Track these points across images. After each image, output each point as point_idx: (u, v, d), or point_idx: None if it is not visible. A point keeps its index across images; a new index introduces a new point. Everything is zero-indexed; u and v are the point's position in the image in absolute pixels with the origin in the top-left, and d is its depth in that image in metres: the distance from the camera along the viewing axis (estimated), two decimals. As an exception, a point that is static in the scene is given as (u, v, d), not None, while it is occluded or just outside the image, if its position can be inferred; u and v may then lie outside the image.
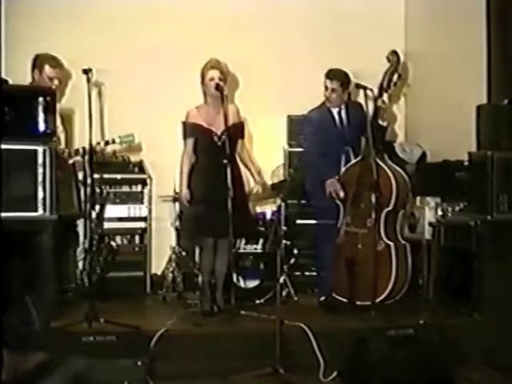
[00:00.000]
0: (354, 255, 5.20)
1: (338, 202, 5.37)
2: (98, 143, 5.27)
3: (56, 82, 5.20)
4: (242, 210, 4.97)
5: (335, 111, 5.52)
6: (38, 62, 5.20)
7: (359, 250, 5.22)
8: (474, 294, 5.01)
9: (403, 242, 5.33)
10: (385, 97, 5.44)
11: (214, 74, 5.12)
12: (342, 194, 5.27)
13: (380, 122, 5.35)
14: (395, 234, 5.32)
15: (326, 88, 5.44)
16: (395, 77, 5.39)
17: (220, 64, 5.16)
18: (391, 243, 5.23)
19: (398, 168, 5.40)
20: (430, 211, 5.59)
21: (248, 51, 6.22)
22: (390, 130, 5.84)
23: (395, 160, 5.66)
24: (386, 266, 5.15)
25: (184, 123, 5.20)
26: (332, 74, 5.42)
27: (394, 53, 5.40)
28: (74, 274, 5.50)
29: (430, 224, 5.59)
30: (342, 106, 5.52)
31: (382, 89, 5.36)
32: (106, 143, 5.32)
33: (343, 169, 5.41)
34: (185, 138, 5.21)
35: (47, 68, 5.17)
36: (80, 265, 5.50)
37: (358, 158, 5.32)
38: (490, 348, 4.65)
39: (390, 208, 5.23)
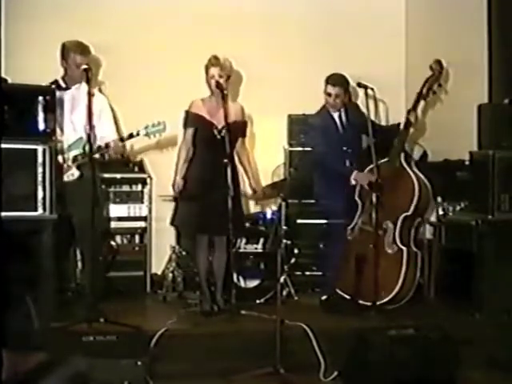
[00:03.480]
0: (364, 254, 5.17)
1: (358, 199, 5.37)
2: (121, 138, 5.04)
3: (83, 67, 4.93)
4: (234, 209, 4.95)
5: (336, 115, 5.54)
6: (65, 50, 5.04)
7: (370, 250, 5.15)
8: (475, 294, 5.00)
9: (415, 249, 5.28)
10: (420, 107, 5.44)
11: (214, 71, 5.12)
12: (373, 178, 5.17)
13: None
14: (409, 240, 5.29)
15: (329, 94, 5.44)
16: (435, 86, 5.37)
17: (219, 61, 5.15)
18: (404, 248, 5.21)
19: (422, 175, 5.37)
20: (431, 211, 5.58)
21: (249, 50, 6.21)
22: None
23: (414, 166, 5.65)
24: (395, 270, 5.13)
25: (187, 112, 5.21)
26: (334, 80, 5.42)
27: (438, 62, 5.38)
28: (74, 273, 5.48)
29: (431, 223, 5.59)
30: (342, 109, 5.53)
31: (420, 96, 5.34)
32: (130, 136, 5.00)
33: (368, 168, 5.36)
34: (185, 127, 5.21)
35: (72, 55, 4.99)
36: (80, 265, 5.48)
37: (384, 160, 5.26)
38: (491, 348, 4.64)
39: (408, 213, 5.21)
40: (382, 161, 5.28)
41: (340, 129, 5.53)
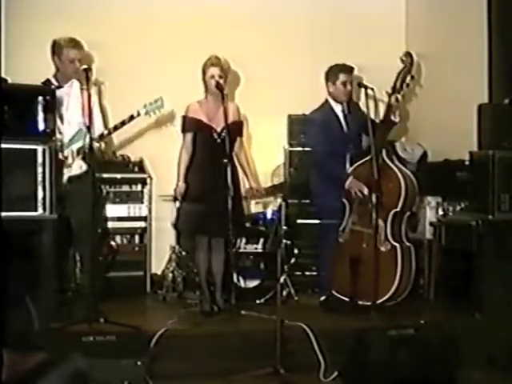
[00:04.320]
0: (358, 254, 5.16)
1: (345, 200, 5.35)
2: (123, 122, 5.00)
3: (77, 64, 4.97)
4: (235, 209, 4.95)
5: (339, 109, 5.50)
6: (56, 46, 5.02)
7: (364, 250, 5.17)
8: (475, 294, 5.00)
9: (408, 243, 5.30)
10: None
11: (214, 71, 5.12)
12: (366, 191, 5.19)
13: (392, 117, 5.32)
14: (400, 236, 5.30)
15: (344, 83, 5.41)
16: (408, 78, 5.37)
17: (220, 61, 5.15)
18: (397, 244, 5.20)
19: (406, 170, 5.38)
20: (430, 211, 5.59)
21: (249, 50, 6.22)
22: (399, 127, 5.77)
23: (396, 160, 5.65)
24: (390, 267, 5.12)
25: (184, 117, 5.21)
26: (348, 69, 5.43)
27: (408, 54, 5.38)
28: (74, 273, 5.48)
29: (431, 223, 5.59)
30: (344, 104, 5.52)
31: (394, 89, 5.33)
32: (131, 118, 5.00)
33: (352, 167, 5.37)
34: (184, 131, 5.21)
35: (65, 50, 4.98)
36: (79, 265, 5.47)
37: (367, 158, 5.23)
38: (491, 348, 4.64)
39: (397, 209, 5.20)
40: (366, 158, 5.25)
41: (343, 124, 5.49)
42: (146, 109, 5.02)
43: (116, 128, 5.03)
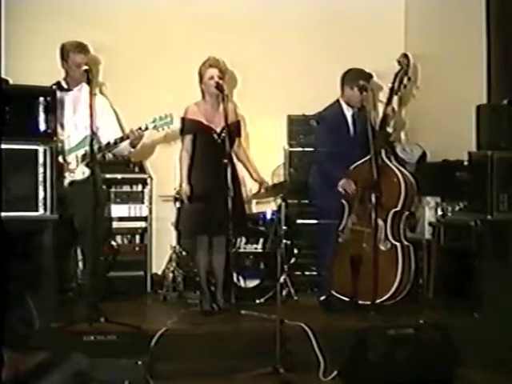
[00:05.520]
0: (358, 253, 5.17)
1: (344, 200, 5.35)
2: (131, 131, 4.96)
3: (84, 67, 4.92)
4: (236, 209, 4.97)
5: (349, 113, 5.44)
6: (64, 51, 5.03)
7: (364, 249, 5.17)
8: (473, 294, 5.01)
9: (406, 242, 5.31)
10: (395, 101, 5.42)
11: (213, 72, 5.12)
12: (354, 189, 5.21)
13: (387, 128, 5.32)
14: (399, 235, 5.31)
15: (361, 90, 5.32)
16: (405, 80, 5.37)
17: (219, 62, 5.15)
18: (397, 243, 5.21)
19: (404, 169, 5.39)
20: (429, 211, 5.60)
21: (249, 50, 6.25)
22: (398, 128, 5.79)
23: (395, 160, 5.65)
24: (391, 266, 5.13)
25: (183, 119, 5.20)
26: (367, 75, 5.37)
27: (405, 56, 5.38)
28: (75, 273, 5.50)
29: (430, 224, 5.60)
30: (356, 109, 5.48)
31: (392, 91, 5.32)
32: (139, 130, 4.95)
33: (352, 167, 5.35)
34: (183, 133, 5.21)
35: (72, 55, 4.98)
36: (80, 265, 5.50)
37: (366, 158, 5.21)
38: (490, 348, 4.65)
39: (397, 209, 5.21)
40: (365, 159, 5.23)
41: (351, 128, 5.43)
42: (154, 123, 4.95)
43: (122, 139, 5.00)
